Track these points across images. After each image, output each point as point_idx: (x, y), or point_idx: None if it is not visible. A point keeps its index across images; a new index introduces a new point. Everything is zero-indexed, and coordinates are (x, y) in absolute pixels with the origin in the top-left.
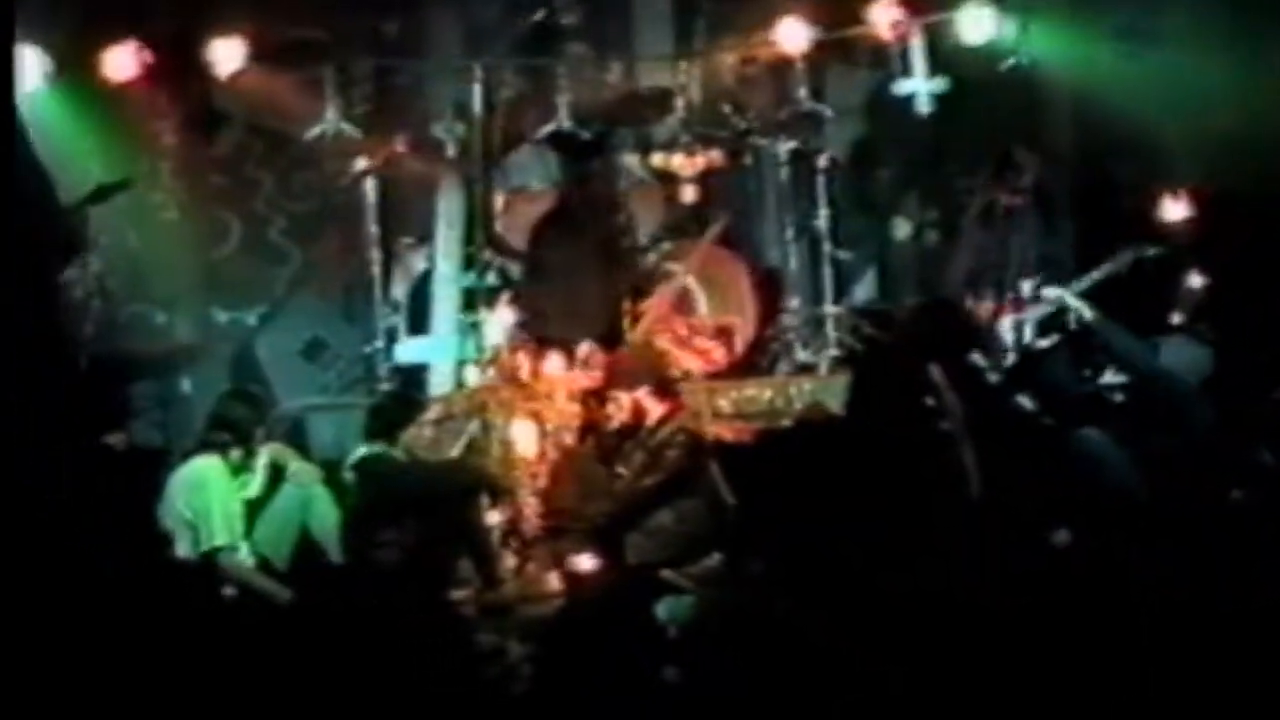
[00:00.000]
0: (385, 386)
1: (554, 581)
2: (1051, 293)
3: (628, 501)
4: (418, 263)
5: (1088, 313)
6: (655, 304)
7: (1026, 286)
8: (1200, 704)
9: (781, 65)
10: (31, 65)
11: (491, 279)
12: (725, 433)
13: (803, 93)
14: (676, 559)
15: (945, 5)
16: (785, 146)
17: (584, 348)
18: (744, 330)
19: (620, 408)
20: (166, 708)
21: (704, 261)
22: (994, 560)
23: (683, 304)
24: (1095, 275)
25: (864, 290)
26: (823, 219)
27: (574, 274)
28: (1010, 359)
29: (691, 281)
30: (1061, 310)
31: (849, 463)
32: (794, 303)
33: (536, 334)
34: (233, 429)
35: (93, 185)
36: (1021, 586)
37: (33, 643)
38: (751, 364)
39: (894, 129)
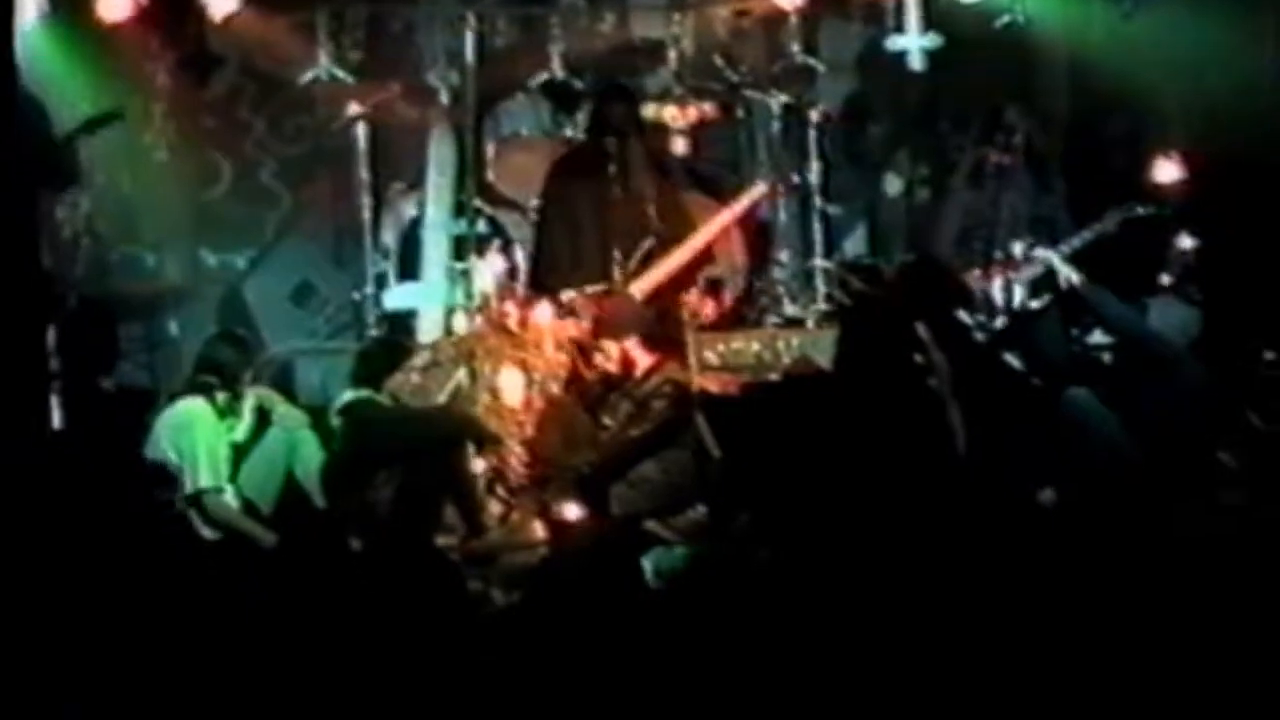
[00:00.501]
0: (374, 332)
1: (539, 530)
2: (1039, 255)
3: (613, 452)
4: (408, 209)
5: (1075, 276)
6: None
7: (1017, 247)
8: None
9: (775, 19)
10: (27, 3)
11: (482, 226)
12: (712, 385)
13: (796, 47)
14: (661, 510)
15: None
16: (777, 100)
17: (571, 296)
18: (733, 283)
19: (608, 358)
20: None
21: (699, 213)
22: (978, 518)
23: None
24: (1084, 236)
25: (854, 245)
26: (814, 173)
27: (580, 224)
28: (1000, 319)
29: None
30: (1050, 272)
31: (835, 417)
32: (783, 256)
33: (538, 284)
34: (219, 372)
35: (83, 119)
36: (1006, 545)
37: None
38: (740, 317)
39: (887, 85)
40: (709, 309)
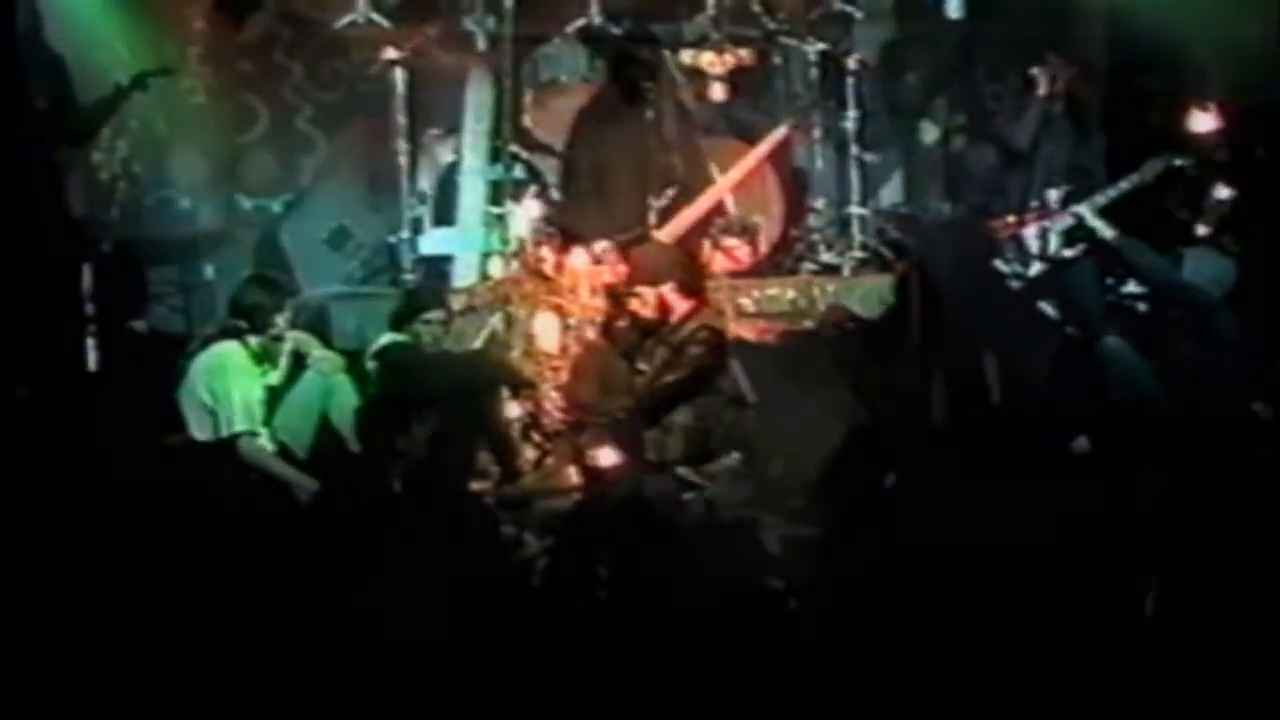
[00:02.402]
0: (409, 277)
1: (573, 476)
2: (1073, 210)
3: (648, 398)
4: (444, 154)
5: (1108, 232)
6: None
7: (1054, 195)
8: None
9: None
10: None
11: (518, 172)
12: (747, 332)
13: None
14: (695, 457)
15: None
16: (814, 47)
17: (605, 244)
18: (769, 229)
19: (644, 304)
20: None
21: (732, 159)
22: (1012, 468)
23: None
24: (1120, 187)
25: (890, 193)
26: (850, 120)
27: (609, 170)
28: (1036, 267)
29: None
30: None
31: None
32: (819, 203)
33: (567, 229)
34: (253, 316)
35: (127, 74)
36: (1039, 493)
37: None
38: (776, 263)
39: (924, 32)
40: (744, 254)
